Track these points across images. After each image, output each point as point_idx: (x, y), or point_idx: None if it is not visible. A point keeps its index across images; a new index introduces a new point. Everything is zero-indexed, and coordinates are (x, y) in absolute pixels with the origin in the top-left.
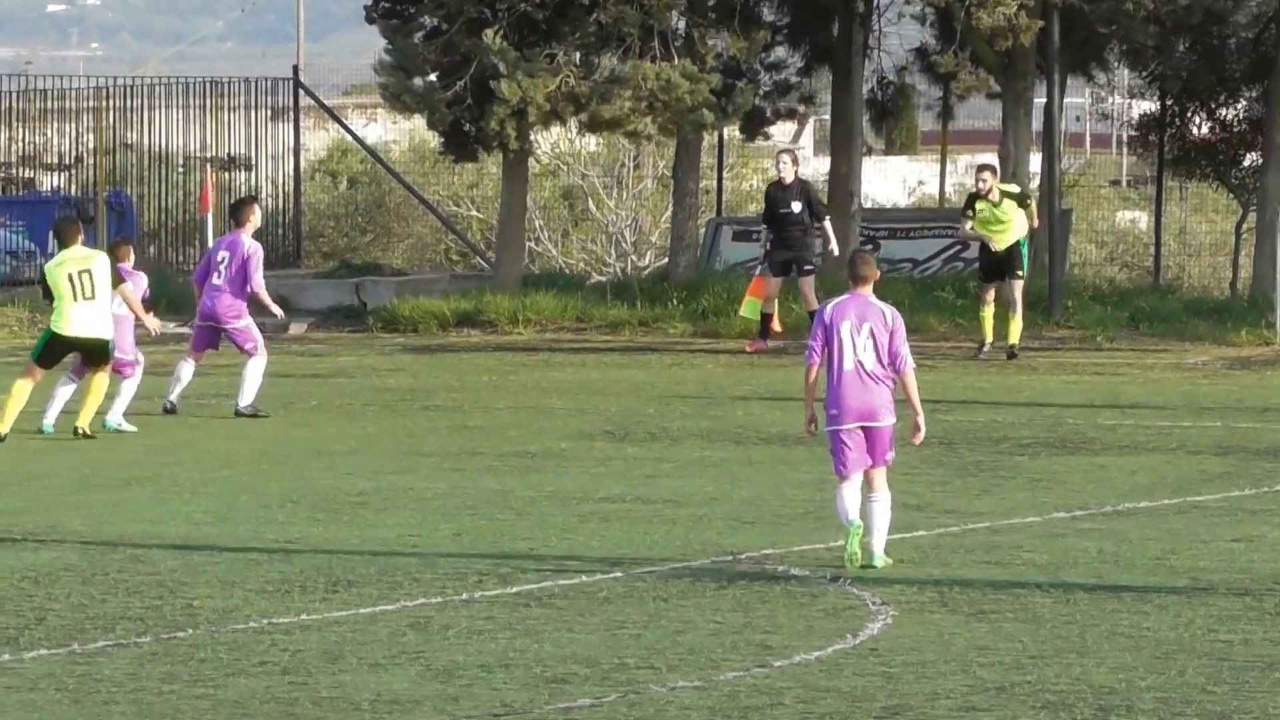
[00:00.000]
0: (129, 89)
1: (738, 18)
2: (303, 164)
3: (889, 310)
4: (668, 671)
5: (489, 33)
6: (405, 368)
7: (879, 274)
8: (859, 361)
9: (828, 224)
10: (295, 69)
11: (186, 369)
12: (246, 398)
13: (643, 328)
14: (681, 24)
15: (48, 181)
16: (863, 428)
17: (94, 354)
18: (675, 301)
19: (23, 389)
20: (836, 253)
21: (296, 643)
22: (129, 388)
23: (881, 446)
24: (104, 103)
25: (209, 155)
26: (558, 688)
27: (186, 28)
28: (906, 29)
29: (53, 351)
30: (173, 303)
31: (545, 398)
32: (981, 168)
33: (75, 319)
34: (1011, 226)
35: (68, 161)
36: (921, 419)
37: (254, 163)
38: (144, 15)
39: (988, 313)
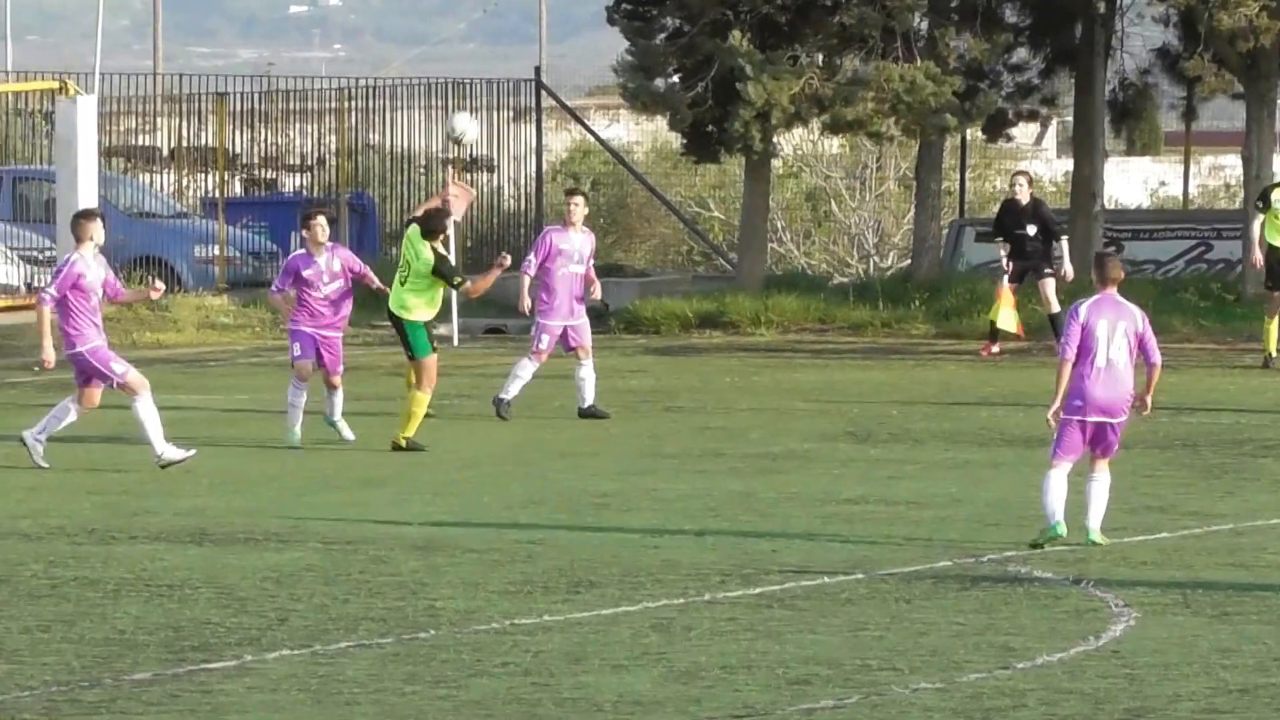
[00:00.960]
0: (371, 90)
1: (980, 19)
2: (545, 165)
3: (1138, 310)
4: (910, 673)
5: (735, 34)
6: (647, 369)
7: (1124, 274)
8: (1110, 359)
9: (1065, 244)
10: (537, 70)
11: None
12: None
13: (885, 329)
14: (923, 25)
15: (290, 183)
16: (1098, 423)
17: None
18: (918, 302)
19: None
20: (1070, 277)
21: (539, 643)
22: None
23: (1112, 441)
24: (346, 104)
25: (451, 156)
26: (800, 689)
27: (428, 29)
28: (1149, 30)
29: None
30: None
31: (787, 399)
32: None
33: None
34: None
35: (310, 163)
36: (1150, 398)
37: (496, 163)
38: (386, 17)
39: (1273, 326)
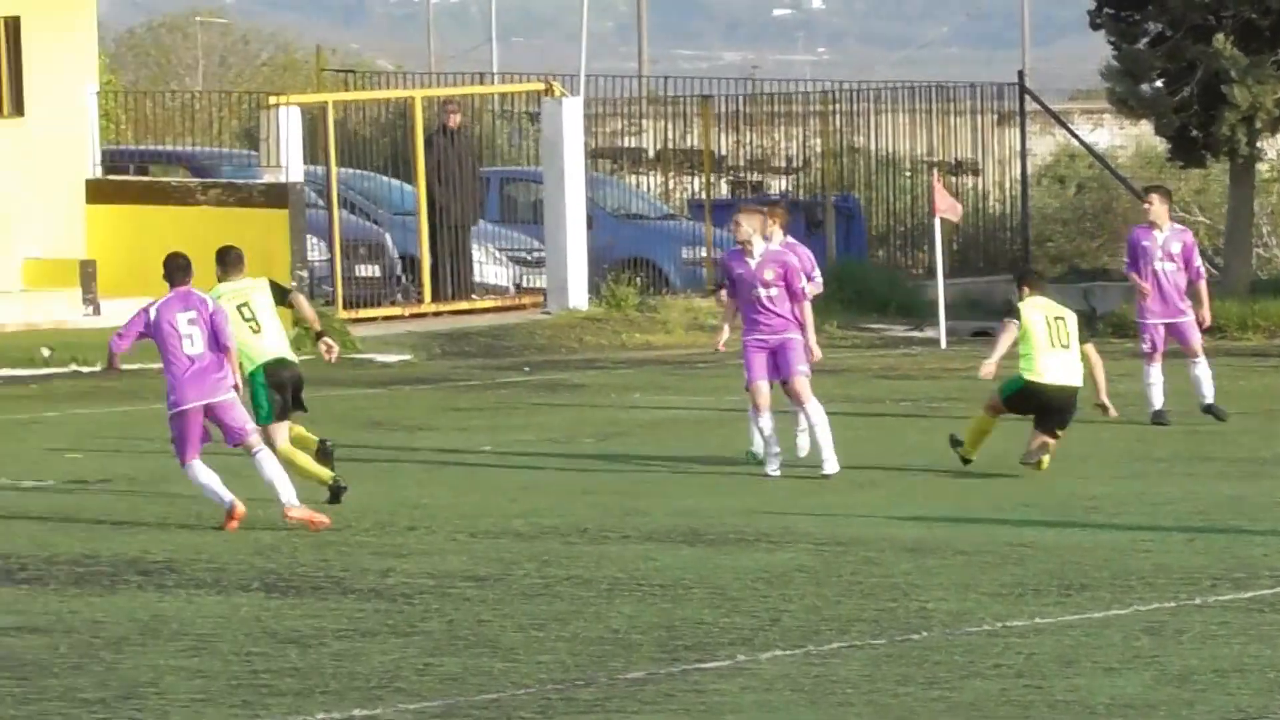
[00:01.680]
0: (855, 93)
1: None
2: (1029, 168)
3: None
4: None
5: (1219, 38)
6: (1134, 373)
7: None
8: None
9: None
10: (1020, 74)
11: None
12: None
13: None
14: None
15: (775, 185)
16: None
17: (1065, 410)
18: None
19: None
20: None
21: (1030, 646)
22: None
23: None
24: (830, 106)
25: (935, 159)
26: None
27: (912, 32)
28: None
29: (1024, 400)
30: (902, 306)
31: (1277, 403)
32: None
33: (1051, 367)
34: None
35: (795, 165)
36: None
37: (981, 167)
38: (869, 20)
39: None
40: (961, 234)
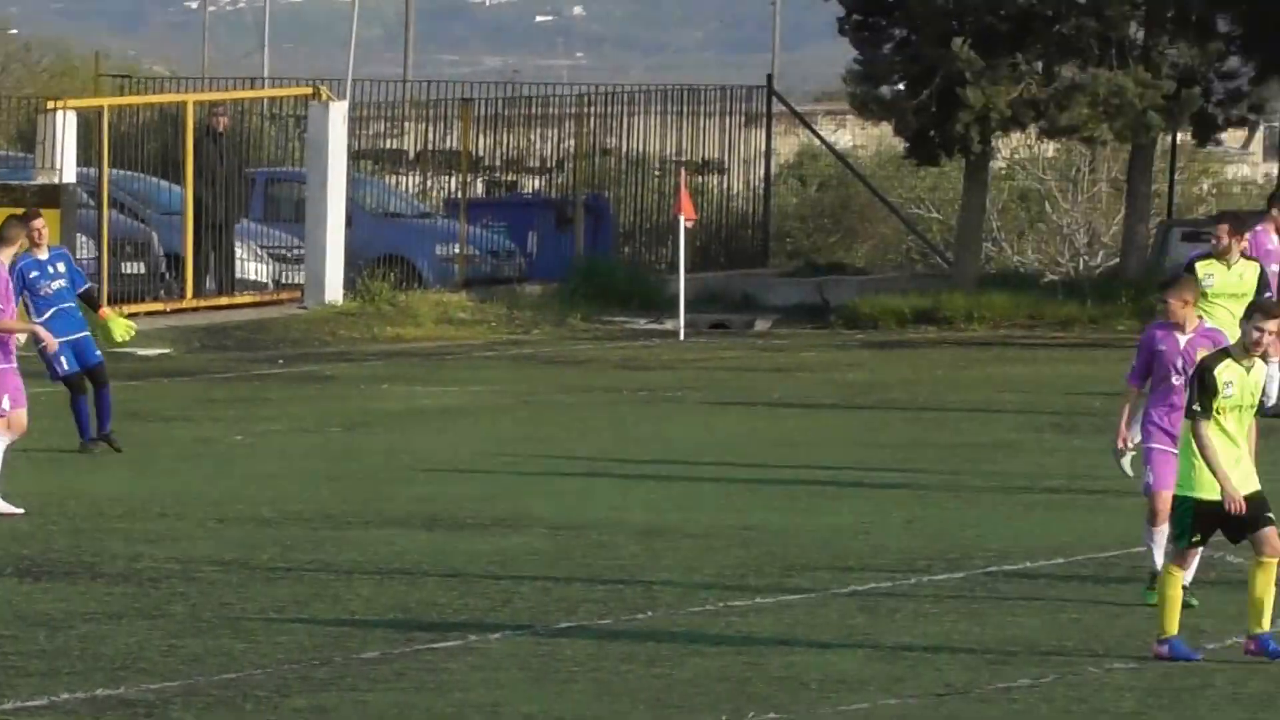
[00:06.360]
0: (610, 96)
1: (1193, 29)
2: (773, 168)
3: None
4: (1104, 654)
5: (957, 42)
6: (863, 363)
7: None
8: None
9: None
10: (769, 77)
11: None
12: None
13: (1092, 325)
14: (1140, 34)
15: (529, 184)
16: None
17: None
18: (1124, 300)
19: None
20: None
21: (750, 625)
22: None
23: None
24: (585, 109)
25: (684, 159)
26: (998, 669)
27: (668, 38)
28: None
29: None
30: (645, 300)
31: (997, 392)
32: None
33: None
34: None
35: (549, 165)
36: None
37: (726, 166)
38: (627, 26)
39: None
40: (704, 230)
